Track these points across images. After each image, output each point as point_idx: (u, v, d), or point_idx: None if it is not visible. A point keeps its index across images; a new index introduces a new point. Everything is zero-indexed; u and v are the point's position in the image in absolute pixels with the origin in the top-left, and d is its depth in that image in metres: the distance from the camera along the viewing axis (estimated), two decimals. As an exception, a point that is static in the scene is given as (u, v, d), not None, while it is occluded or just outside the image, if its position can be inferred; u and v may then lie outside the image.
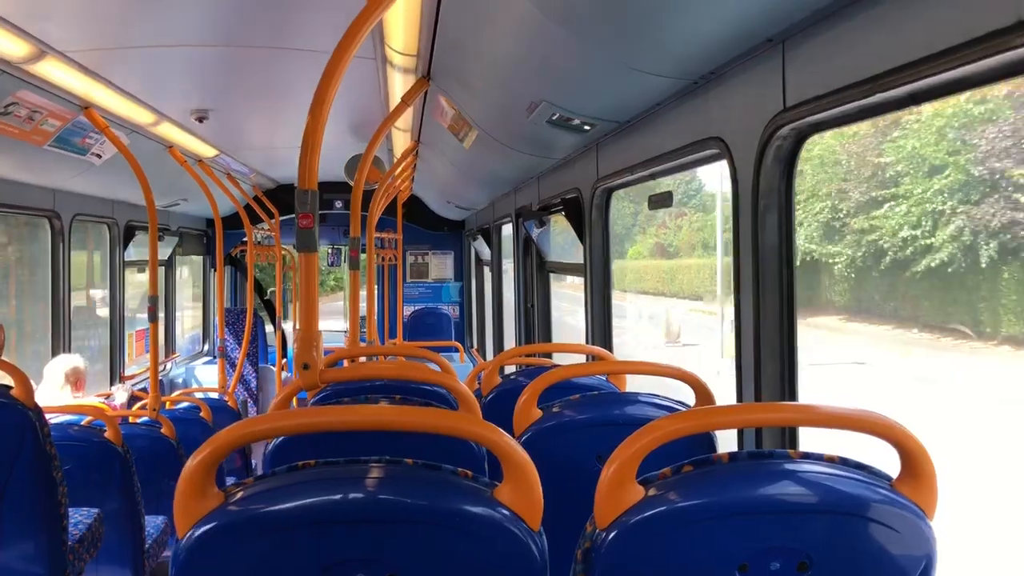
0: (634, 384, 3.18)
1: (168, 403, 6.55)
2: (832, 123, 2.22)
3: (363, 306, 8.14)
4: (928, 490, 1.55)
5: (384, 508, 1.52)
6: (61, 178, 6.10)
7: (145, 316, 5.91)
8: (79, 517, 3.74)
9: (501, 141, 4.63)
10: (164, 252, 9.25)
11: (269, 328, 11.07)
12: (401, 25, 3.55)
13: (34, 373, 4.67)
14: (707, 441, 2.41)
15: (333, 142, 6.51)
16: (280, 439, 2.40)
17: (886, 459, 1.63)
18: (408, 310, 10.98)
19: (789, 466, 1.56)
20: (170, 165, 6.66)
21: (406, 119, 5.57)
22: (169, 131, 5.96)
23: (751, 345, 2.53)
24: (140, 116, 5.41)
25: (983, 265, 8.53)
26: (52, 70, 4.13)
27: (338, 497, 1.53)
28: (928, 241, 8.93)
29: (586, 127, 3.68)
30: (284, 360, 10.00)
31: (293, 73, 4.78)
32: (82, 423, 4.21)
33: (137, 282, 8.95)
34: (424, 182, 9.16)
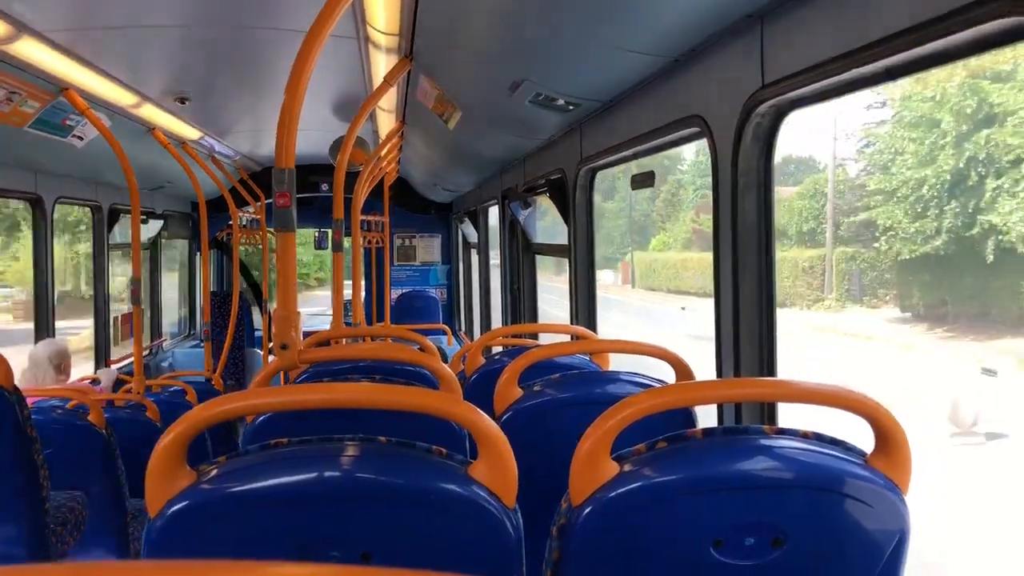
0: (617, 363, 3.18)
1: (154, 386, 6.52)
2: (811, 100, 2.21)
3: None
4: (902, 465, 1.55)
5: (357, 486, 1.52)
6: (43, 160, 6.04)
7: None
8: (62, 500, 3.73)
9: (485, 122, 4.61)
10: (149, 235, 9.19)
11: (256, 311, 11.04)
12: (382, 4, 3.52)
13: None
14: (687, 419, 2.41)
15: (317, 124, 6.46)
16: (260, 419, 2.39)
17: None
18: (395, 293, 10.96)
19: (764, 442, 1.56)
20: (153, 148, 6.60)
21: (390, 100, 5.53)
22: (151, 113, 5.91)
23: (730, 323, 2.53)
24: (121, 98, 5.35)
25: None
26: (29, 50, 4.07)
27: (311, 475, 1.52)
28: None
29: (570, 107, 3.67)
30: (271, 344, 9.95)
31: (276, 54, 4.73)
32: (66, 406, 4.18)
33: (126, 266, 8.91)
34: (410, 164, 9.11)
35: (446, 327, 9.85)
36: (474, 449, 2.33)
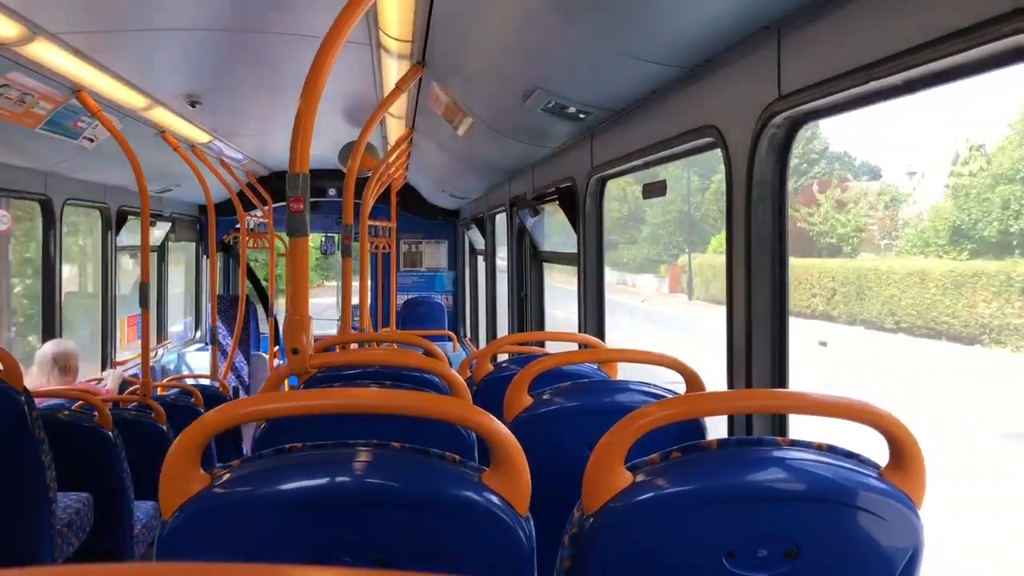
0: (625, 372, 3.18)
1: (159, 389, 6.53)
2: (827, 112, 2.21)
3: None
4: (916, 479, 1.55)
5: (371, 492, 1.51)
6: (53, 162, 6.06)
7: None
8: (68, 501, 3.73)
9: (496, 129, 4.62)
10: (157, 238, 9.21)
11: (261, 315, 11.05)
12: (395, 10, 3.53)
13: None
14: (697, 429, 2.41)
15: (327, 129, 6.47)
16: (268, 423, 2.39)
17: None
18: (401, 299, 10.95)
19: (778, 453, 1.55)
20: (163, 150, 6.62)
21: (400, 106, 5.54)
22: (162, 115, 5.93)
23: (743, 334, 2.53)
24: (133, 100, 5.37)
25: None
26: (44, 52, 4.09)
27: (325, 480, 1.52)
28: None
29: (581, 115, 3.67)
30: (276, 348, 9.97)
31: (287, 58, 4.75)
32: (73, 408, 4.19)
33: (129, 269, 8.93)
34: (418, 170, 9.12)
35: (452, 333, 9.85)
36: (481, 457, 2.34)
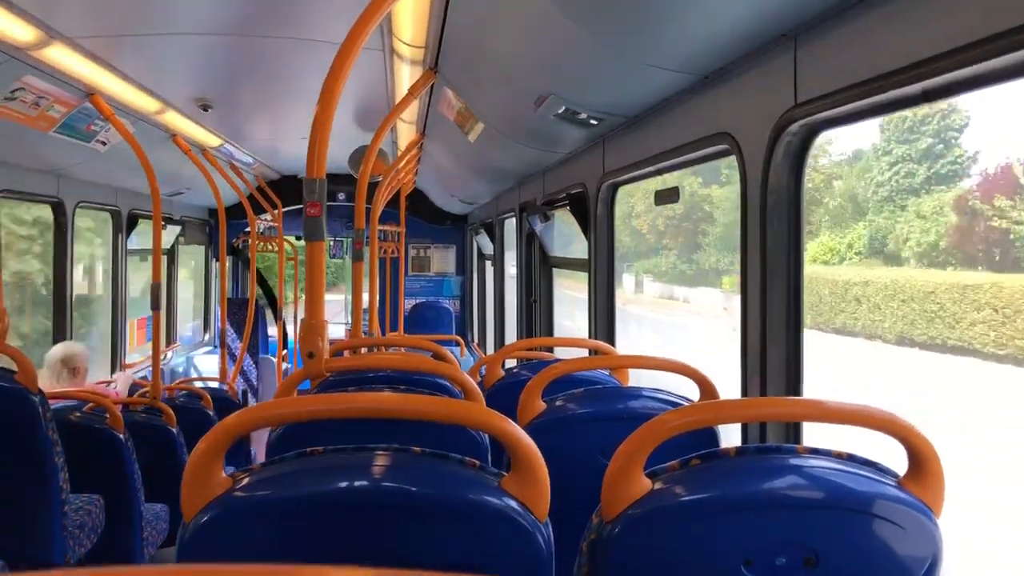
0: (636, 379, 3.18)
1: (169, 391, 6.54)
2: (843, 120, 2.21)
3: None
4: (935, 488, 1.54)
5: (391, 496, 1.52)
6: (65, 165, 6.09)
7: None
8: (79, 503, 3.74)
9: (507, 135, 4.63)
10: (167, 241, 9.24)
11: (269, 318, 11.07)
12: (410, 16, 3.55)
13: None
14: (710, 436, 2.41)
15: (337, 133, 6.44)
16: (283, 428, 2.40)
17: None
18: (409, 303, 10.97)
19: (796, 461, 1.55)
20: (174, 154, 6.65)
21: (412, 111, 5.56)
22: (174, 119, 5.96)
23: (757, 342, 2.53)
24: (145, 104, 5.40)
25: None
26: (58, 56, 4.12)
27: (345, 484, 1.53)
28: None
29: (593, 121, 3.68)
30: (284, 351, 9.99)
31: (298, 63, 4.77)
32: (84, 410, 4.21)
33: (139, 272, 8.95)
34: (428, 175, 9.14)
35: (459, 338, 9.87)
36: (495, 460, 2.34)
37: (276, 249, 10.33)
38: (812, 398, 1.70)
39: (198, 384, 7.97)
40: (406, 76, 4.48)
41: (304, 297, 2.74)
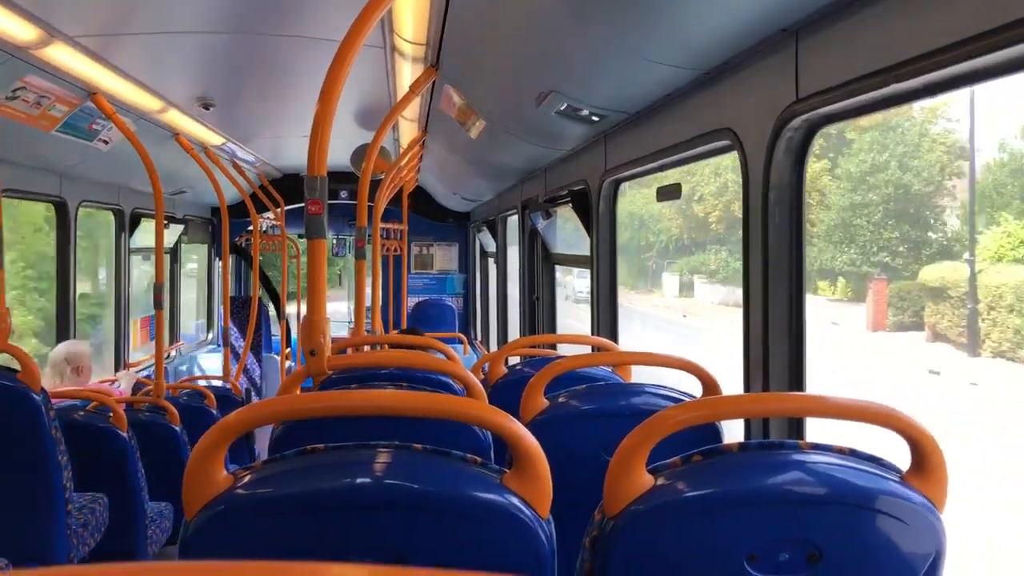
0: (639, 375, 3.17)
1: (172, 390, 6.55)
2: (845, 115, 2.21)
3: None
4: (938, 483, 1.54)
5: (394, 493, 1.52)
6: (68, 164, 6.10)
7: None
8: (83, 502, 3.75)
9: (509, 132, 4.62)
10: (169, 240, 9.24)
11: (273, 316, 11.07)
12: (410, 13, 3.54)
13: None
14: (713, 432, 2.40)
15: (339, 131, 6.45)
16: (285, 425, 2.40)
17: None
18: (412, 301, 10.97)
19: (799, 457, 1.55)
20: (176, 152, 6.65)
21: (413, 109, 5.55)
22: (176, 118, 5.96)
23: (760, 337, 2.53)
24: (147, 103, 5.40)
25: None
26: (60, 55, 4.12)
27: (347, 481, 1.53)
28: None
29: (595, 118, 3.67)
30: (288, 349, 9.99)
31: (300, 61, 4.77)
32: (87, 408, 4.21)
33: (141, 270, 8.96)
34: (430, 173, 9.14)
35: (462, 336, 9.86)
36: (499, 457, 2.34)
37: (279, 248, 10.34)
38: (817, 394, 1.69)
39: (202, 383, 7.98)
40: (407, 73, 4.48)
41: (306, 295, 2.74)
